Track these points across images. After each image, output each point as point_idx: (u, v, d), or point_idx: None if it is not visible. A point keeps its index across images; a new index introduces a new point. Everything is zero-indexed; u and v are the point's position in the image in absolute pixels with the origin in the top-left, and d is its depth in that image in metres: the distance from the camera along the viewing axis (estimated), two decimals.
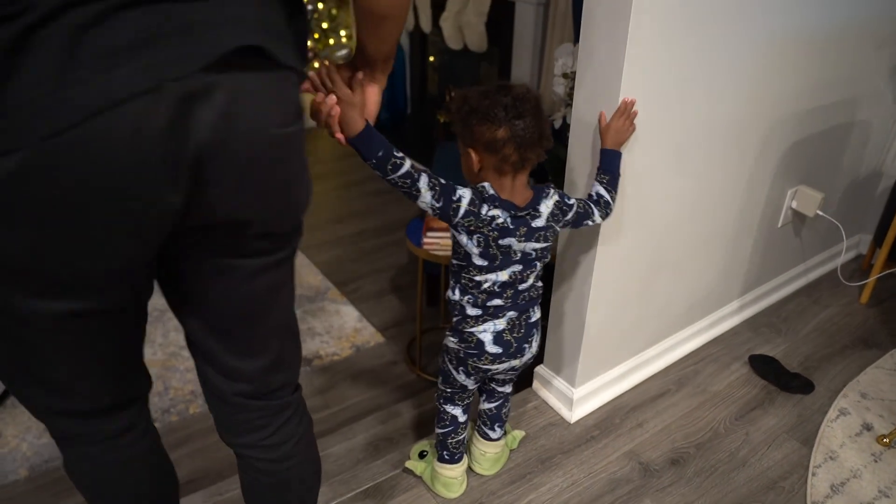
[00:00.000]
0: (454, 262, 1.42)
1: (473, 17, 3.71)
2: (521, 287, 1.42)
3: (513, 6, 3.62)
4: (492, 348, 1.44)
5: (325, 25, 4.54)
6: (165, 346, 2.58)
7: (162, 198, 0.74)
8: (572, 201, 1.44)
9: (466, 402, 1.62)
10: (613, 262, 1.76)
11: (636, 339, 2.03)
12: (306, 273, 3.12)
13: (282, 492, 1.16)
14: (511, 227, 1.33)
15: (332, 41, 4.59)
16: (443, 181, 1.30)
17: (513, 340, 1.45)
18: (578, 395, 1.93)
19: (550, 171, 2.16)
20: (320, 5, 4.47)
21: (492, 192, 1.32)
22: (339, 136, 1.18)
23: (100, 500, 1.12)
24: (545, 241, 1.39)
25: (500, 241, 1.34)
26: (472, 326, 1.44)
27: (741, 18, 1.64)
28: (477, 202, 1.31)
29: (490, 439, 1.71)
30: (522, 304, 1.44)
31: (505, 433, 1.75)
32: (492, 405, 1.67)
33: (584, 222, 1.49)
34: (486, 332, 1.43)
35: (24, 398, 0.95)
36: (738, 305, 2.36)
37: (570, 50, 2.15)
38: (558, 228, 1.43)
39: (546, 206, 1.37)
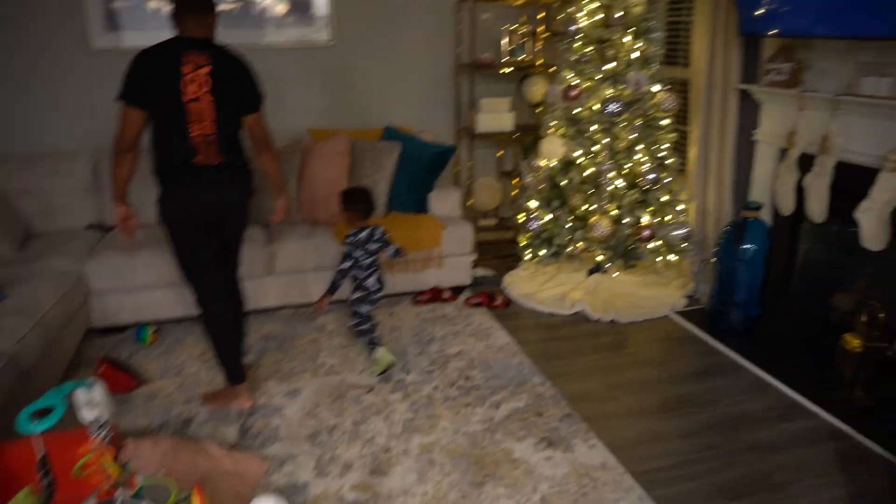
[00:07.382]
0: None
1: None
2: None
3: None
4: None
5: (663, 199, 3.80)
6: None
7: (210, 212, 2.95)
8: (386, 237, 3.29)
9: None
10: None
11: None
12: (611, 477, 2.11)
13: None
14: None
15: (667, 218, 3.82)
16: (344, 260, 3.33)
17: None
18: None
19: None
20: (664, 174, 3.75)
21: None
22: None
23: (214, 323, 2.97)
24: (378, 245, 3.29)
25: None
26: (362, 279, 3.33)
27: None
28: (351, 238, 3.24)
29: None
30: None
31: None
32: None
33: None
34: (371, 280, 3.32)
35: (186, 272, 2.94)
36: None
37: None
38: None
39: (376, 233, 3.23)
